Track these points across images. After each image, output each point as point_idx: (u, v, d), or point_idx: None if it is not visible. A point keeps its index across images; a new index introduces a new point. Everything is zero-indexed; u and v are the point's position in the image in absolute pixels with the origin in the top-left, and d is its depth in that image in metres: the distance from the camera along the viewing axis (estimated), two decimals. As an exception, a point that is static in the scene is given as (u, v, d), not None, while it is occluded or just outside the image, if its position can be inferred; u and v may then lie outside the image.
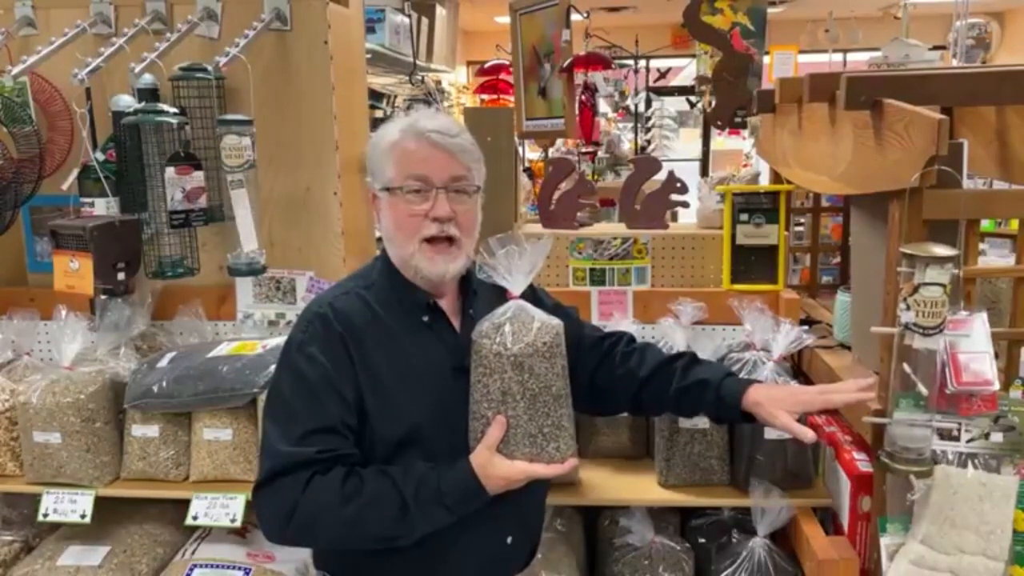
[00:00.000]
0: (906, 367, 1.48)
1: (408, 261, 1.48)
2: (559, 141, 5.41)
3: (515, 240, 1.42)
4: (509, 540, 1.54)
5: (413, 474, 1.39)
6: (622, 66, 7.23)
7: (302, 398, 1.41)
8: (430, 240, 1.46)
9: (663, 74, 7.94)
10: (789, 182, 2.34)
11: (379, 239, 1.59)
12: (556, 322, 1.43)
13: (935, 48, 4.65)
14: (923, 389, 1.47)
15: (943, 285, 1.42)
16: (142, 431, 2.06)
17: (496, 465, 1.38)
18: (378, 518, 1.37)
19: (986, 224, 2.25)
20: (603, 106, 7.11)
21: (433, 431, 1.45)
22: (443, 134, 1.46)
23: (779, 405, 1.54)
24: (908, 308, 1.45)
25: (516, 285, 1.43)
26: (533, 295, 1.58)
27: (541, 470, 1.38)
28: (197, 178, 2.05)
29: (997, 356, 1.52)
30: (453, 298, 1.57)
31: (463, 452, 1.42)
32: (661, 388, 1.66)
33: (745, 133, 3.35)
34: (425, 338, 1.50)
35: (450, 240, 1.47)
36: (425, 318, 1.50)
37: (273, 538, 1.45)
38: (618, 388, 1.70)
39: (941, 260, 1.42)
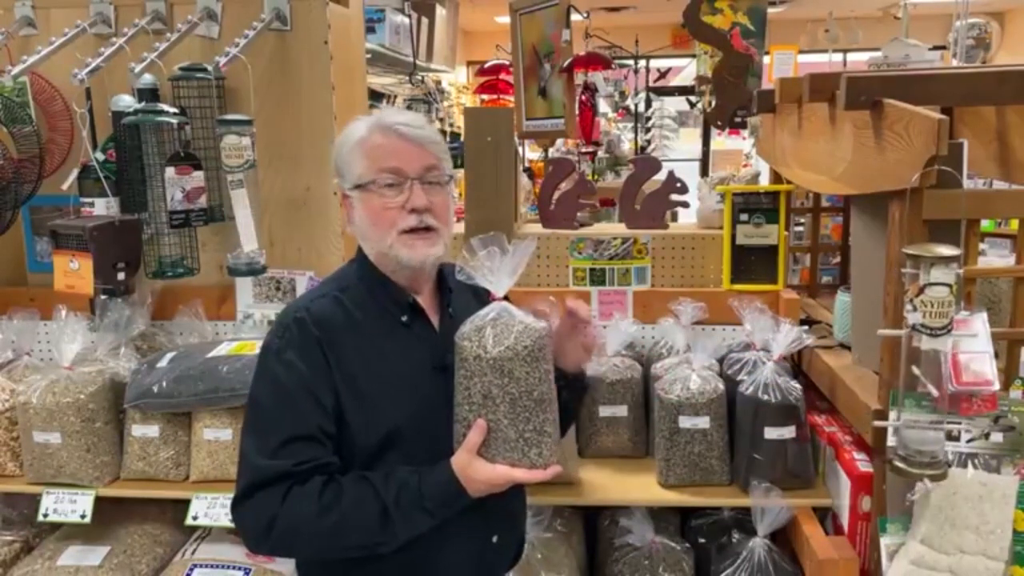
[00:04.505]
0: (915, 369, 1.48)
1: (387, 254, 1.47)
2: (559, 141, 5.40)
3: (497, 241, 1.40)
4: (495, 539, 1.54)
5: (394, 479, 1.38)
6: (622, 66, 7.24)
7: (280, 406, 1.40)
8: (408, 231, 1.46)
9: (663, 74, 7.95)
10: (789, 182, 2.34)
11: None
12: (540, 325, 1.40)
13: (935, 48, 4.65)
14: (933, 391, 1.46)
15: (949, 285, 1.42)
16: (142, 431, 2.06)
17: (477, 469, 1.36)
18: (359, 526, 1.36)
19: (986, 224, 2.25)
20: (603, 106, 7.11)
21: (414, 432, 1.44)
22: (410, 126, 1.46)
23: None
24: (915, 309, 1.44)
25: (499, 287, 1.41)
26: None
27: (522, 475, 1.37)
28: (197, 178, 2.05)
29: (997, 356, 1.52)
30: (431, 296, 1.57)
31: (446, 453, 1.40)
32: None
33: (745, 133, 3.35)
34: (404, 338, 1.49)
35: (428, 229, 1.47)
36: (404, 318, 1.50)
37: (254, 551, 1.46)
38: None
39: (946, 260, 1.42)
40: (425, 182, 1.46)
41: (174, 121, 2.02)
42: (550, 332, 1.43)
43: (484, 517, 1.48)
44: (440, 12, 5.04)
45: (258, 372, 1.47)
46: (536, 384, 1.37)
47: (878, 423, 1.59)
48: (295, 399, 1.40)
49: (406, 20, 4.24)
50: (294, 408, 1.40)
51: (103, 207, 2.09)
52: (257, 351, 2.03)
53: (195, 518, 2.00)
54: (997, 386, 1.49)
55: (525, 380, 1.35)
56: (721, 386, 2.04)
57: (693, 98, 6.84)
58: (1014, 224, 2.23)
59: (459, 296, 1.57)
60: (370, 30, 3.66)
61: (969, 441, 1.53)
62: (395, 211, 1.45)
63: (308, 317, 1.44)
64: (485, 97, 5.47)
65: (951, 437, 1.53)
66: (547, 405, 1.39)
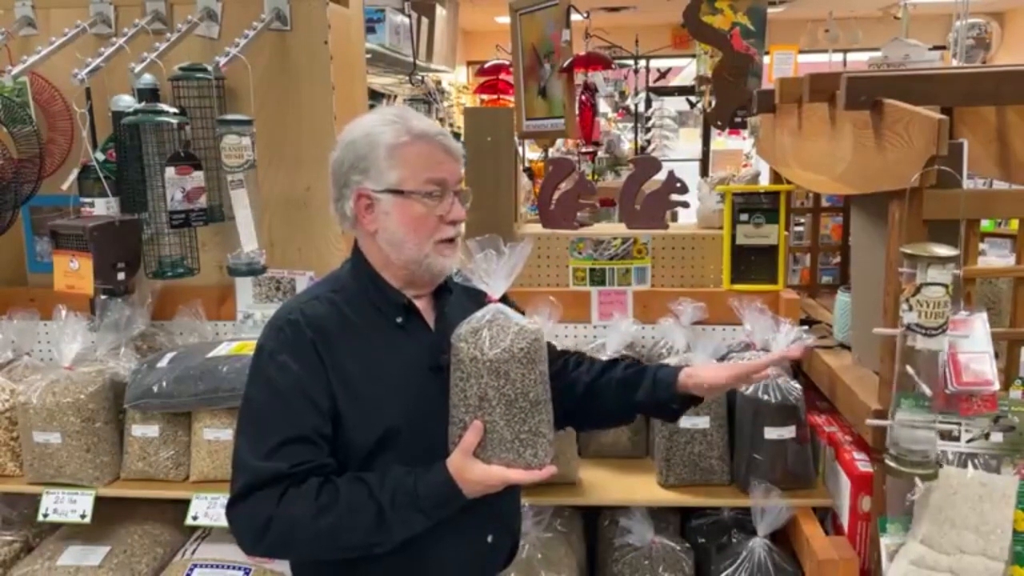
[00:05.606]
0: (909, 368, 1.48)
1: (421, 262, 1.47)
2: (559, 141, 5.41)
3: (494, 243, 1.41)
4: (490, 539, 1.54)
5: (390, 480, 1.38)
6: (622, 66, 7.24)
7: (274, 407, 1.40)
8: (445, 240, 1.48)
9: (663, 74, 7.95)
10: (789, 182, 2.34)
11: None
12: (535, 327, 1.40)
13: (935, 48, 4.65)
14: (926, 390, 1.46)
15: (945, 285, 1.42)
16: (142, 431, 2.06)
17: (473, 470, 1.36)
18: (355, 527, 1.36)
19: (986, 224, 2.25)
20: (603, 106, 7.12)
21: (410, 431, 1.44)
22: (446, 136, 1.49)
23: (715, 372, 1.61)
24: (910, 309, 1.45)
25: (496, 288, 1.41)
26: (504, 302, 1.57)
27: (518, 476, 1.37)
28: (197, 178, 2.05)
29: (997, 356, 1.52)
30: (427, 296, 1.57)
31: (442, 453, 1.41)
32: (604, 385, 1.66)
33: (745, 133, 3.35)
34: (398, 338, 1.49)
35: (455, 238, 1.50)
36: (399, 319, 1.50)
37: (250, 552, 1.45)
38: (565, 394, 1.64)
39: (943, 260, 1.42)
40: (458, 196, 1.50)
41: (174, 121, 2.02)
42: (544, 334, 1.43)
43: (479, 517, 1.48)
44: (440, 12, 5.04)
45: (252, 374, 1.46)
46: (532, 386, 1.37)
47: (870, 421, 1.59)
48: (290, 401, 1.40)
49: (406, 20, 4.24)
50: (289, 410, 1.39)
51: (103, 207, 2.09)
52: (257, 351, 2.05)
53: (195, 518, 2.00)
54: (997, 386, 1.49)
55: (521, 382, 1.36)
56: (721, 386, 2.04)
57: (693, 98, 6.84)
58: (1014, 224, 2.23)
59: (456, 296, 1.57)
60: (370, 30, 3.66)
61: (969, 441, 1.53)
62: (435, 221, 1.46)
63: (302, 319, 1.44)
64: (485, 97, 5.48)
65: (951, 437, 1.53)
66: (543, 406, 1.39)
